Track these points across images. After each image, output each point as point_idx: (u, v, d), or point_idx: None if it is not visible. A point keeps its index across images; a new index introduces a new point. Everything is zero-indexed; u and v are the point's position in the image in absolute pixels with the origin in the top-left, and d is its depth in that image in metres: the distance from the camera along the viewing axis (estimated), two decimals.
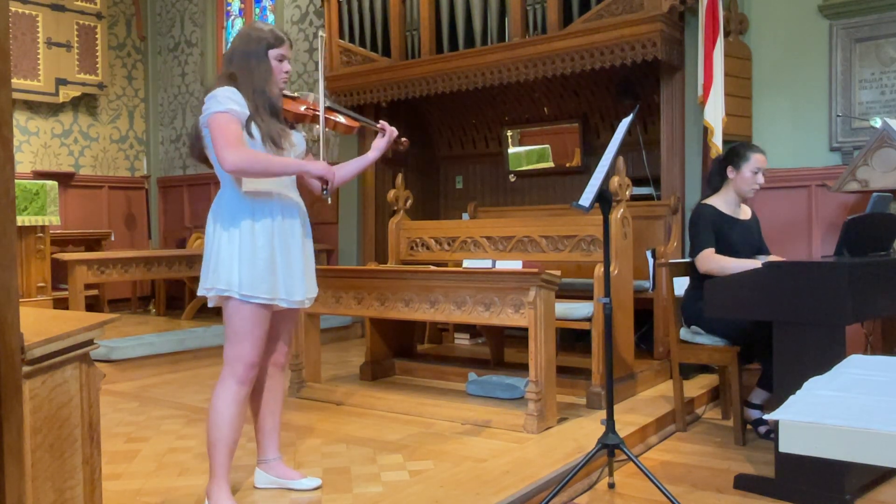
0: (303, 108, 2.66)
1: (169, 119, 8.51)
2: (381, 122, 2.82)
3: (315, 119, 2.67)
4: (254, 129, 2.42)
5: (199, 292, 2.47)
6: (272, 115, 2.48)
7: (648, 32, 4.51)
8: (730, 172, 3.53)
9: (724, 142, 4.32)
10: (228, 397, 2.42)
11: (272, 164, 2.40)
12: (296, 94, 2.72)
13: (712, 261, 3.37)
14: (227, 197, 2.46)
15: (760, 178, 3.51)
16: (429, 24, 5.50)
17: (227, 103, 2.37)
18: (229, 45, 2.61)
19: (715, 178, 3.62)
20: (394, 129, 2.80)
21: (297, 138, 2.62)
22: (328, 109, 2.71)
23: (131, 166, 8.49)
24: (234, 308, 2.40)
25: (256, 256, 2.39)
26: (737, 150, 3.57)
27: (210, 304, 2.49)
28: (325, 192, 2.55)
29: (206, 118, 2.39)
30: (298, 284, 2.51)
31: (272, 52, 2.51)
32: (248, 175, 2.41)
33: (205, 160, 2.53)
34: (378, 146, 2.78)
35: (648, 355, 4.58)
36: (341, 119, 2.75)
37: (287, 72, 2.57)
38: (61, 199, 6.91)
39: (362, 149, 6.37)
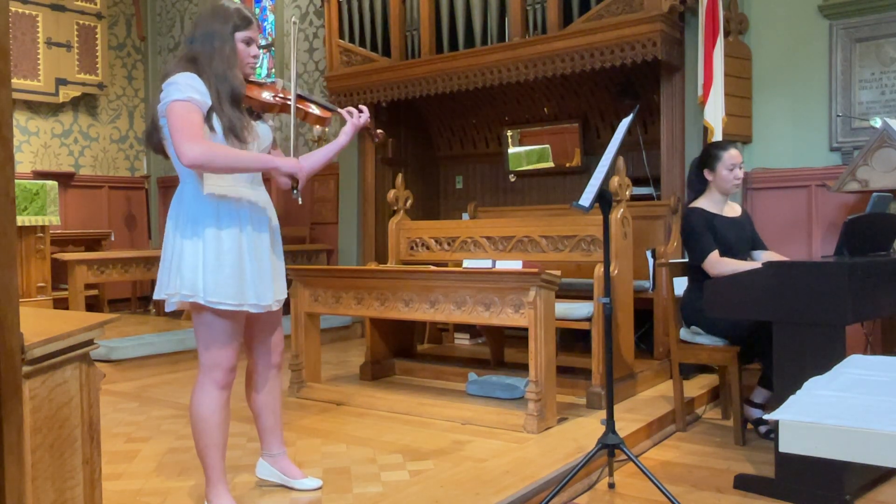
0: (270, 97, 2.42)
1: None
2: (360, 107, 2.63)
3: (284, 109, 2.43)
4: (215, 121, 2.25)
5: (158, 296, 2.32)
6: (233, 105, 2.29)
7: (648, 32, 4.51)
8: (707, 175, 3.54)
9: None
10: (212, 403, 2.33)
11: (237, 159, 2.23)
12: (263, 80, 2.46)
13: (722, 265, 3.34)
14: (188, 195, 2.29)
15: (739, 173, 3.51)
16: (429, 24, 5.50)
17: (187, 91, 2.19)
18: (192, 23, 2.40)
19: (695, 182, 3.62)
20: (366, 114, 2.60)
21: (264, 130, 2.45)
22: (299, 99, 2.47)
23: (131, 166, 8.49)
24: (205, 315, 2.29)
25: (222, 262, 2.25)
26: (709, 152, 3.58)
27: (169, 309, 2.35)
28: (294, 191, 2.37)
29: (164, 107, 2.20)
30: (268, 288, 2.37)
31: (239, 35, 2.33)
32: (209, 170, 2.23)
33: (162, 151, 2.34)
34: (346, 131, 2.58)
35: (648, 355, 4.58)
36: (314, 109, 2.51)
37: (255, 56, 2.39)
38: (61, 199, 6.91)
39: (360, 148, 6.37)
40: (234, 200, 2.31)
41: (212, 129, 2.26)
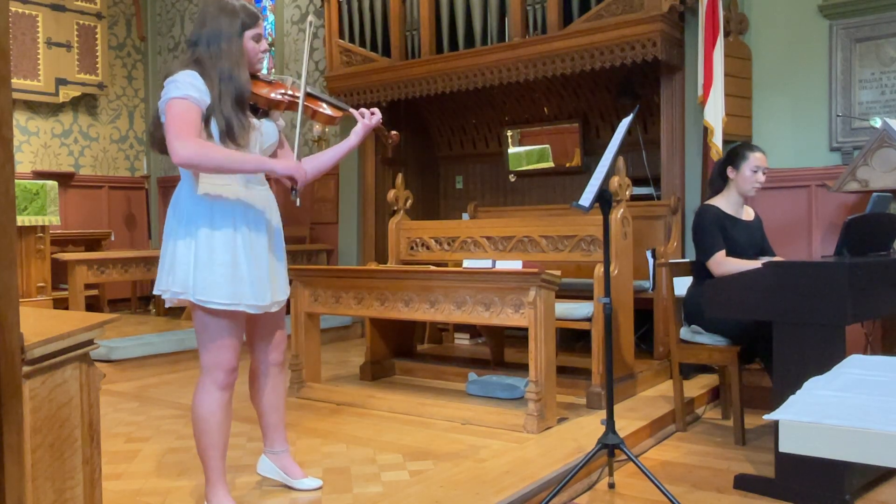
0: (278, 94, 2.39)
1: None
2: (373, 109, 2.60)
3: (291, 106, 2.40)
4: (212, 123, 2.23)
5: (155, 291, 2.34)
6: (237, 104, 2.26)
7: (648, 32, 4.51)
8: (730, 173, 3.54)
9: (725, 142, 4.32)
10: (213, 404, 2.33)
11: (229, 159, 2.20)
12: (273, 78, 2.43)
13: (727, 265, 3.34)
14: (184, 194, 2.29)
15: (761, 177, 3.52)
16: (429, 24, 5.50)
17: (186, 88, 2.17)
18: (195, 23, 2.34)
19: (717, 180, 3.63)
20: (378, 115, 2.58)
21: (269, 128, 2.42)
22: (309, 97, 2.44)
23: (131, 166, 8.48)
24: (202, 315, 2.28)
25: (214, 262, 2.24)
26: (736, 151, 3.58)
27: (167, 305, 2.37)
28: (293, 192, 2.32)
29: (163, 103, 2.19)
30: (266, 289, 2.34)
31: (248, 33, 2.30)
32: (201, 170, 2.22)
33: (165, 150, 2.24)
34: (356, 131, 2.56)
35: (648, 355, 4.58)
36: (324, 108, 2.47)
37: (264, 51, 2.37)
38: (61, 199, 6.90)
39: (360, 148, 6.37)
40: (229, 200, 2.29)
41: (209, 133, 2.24)
